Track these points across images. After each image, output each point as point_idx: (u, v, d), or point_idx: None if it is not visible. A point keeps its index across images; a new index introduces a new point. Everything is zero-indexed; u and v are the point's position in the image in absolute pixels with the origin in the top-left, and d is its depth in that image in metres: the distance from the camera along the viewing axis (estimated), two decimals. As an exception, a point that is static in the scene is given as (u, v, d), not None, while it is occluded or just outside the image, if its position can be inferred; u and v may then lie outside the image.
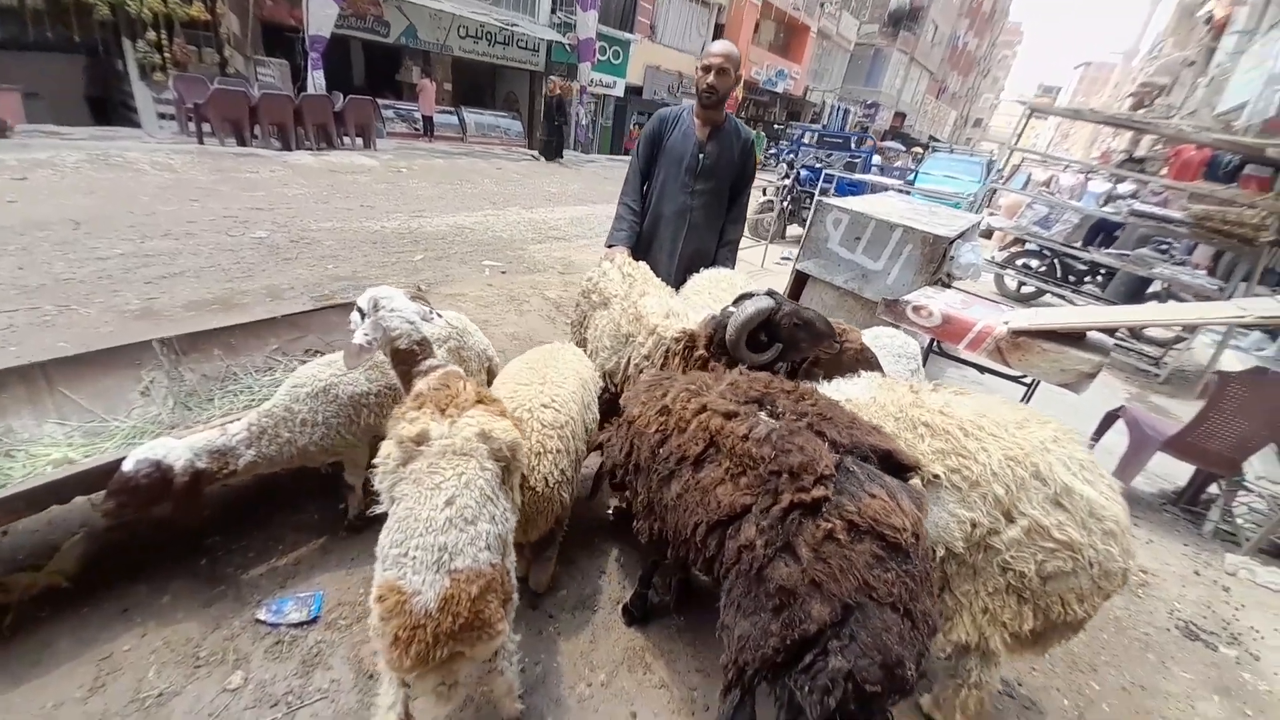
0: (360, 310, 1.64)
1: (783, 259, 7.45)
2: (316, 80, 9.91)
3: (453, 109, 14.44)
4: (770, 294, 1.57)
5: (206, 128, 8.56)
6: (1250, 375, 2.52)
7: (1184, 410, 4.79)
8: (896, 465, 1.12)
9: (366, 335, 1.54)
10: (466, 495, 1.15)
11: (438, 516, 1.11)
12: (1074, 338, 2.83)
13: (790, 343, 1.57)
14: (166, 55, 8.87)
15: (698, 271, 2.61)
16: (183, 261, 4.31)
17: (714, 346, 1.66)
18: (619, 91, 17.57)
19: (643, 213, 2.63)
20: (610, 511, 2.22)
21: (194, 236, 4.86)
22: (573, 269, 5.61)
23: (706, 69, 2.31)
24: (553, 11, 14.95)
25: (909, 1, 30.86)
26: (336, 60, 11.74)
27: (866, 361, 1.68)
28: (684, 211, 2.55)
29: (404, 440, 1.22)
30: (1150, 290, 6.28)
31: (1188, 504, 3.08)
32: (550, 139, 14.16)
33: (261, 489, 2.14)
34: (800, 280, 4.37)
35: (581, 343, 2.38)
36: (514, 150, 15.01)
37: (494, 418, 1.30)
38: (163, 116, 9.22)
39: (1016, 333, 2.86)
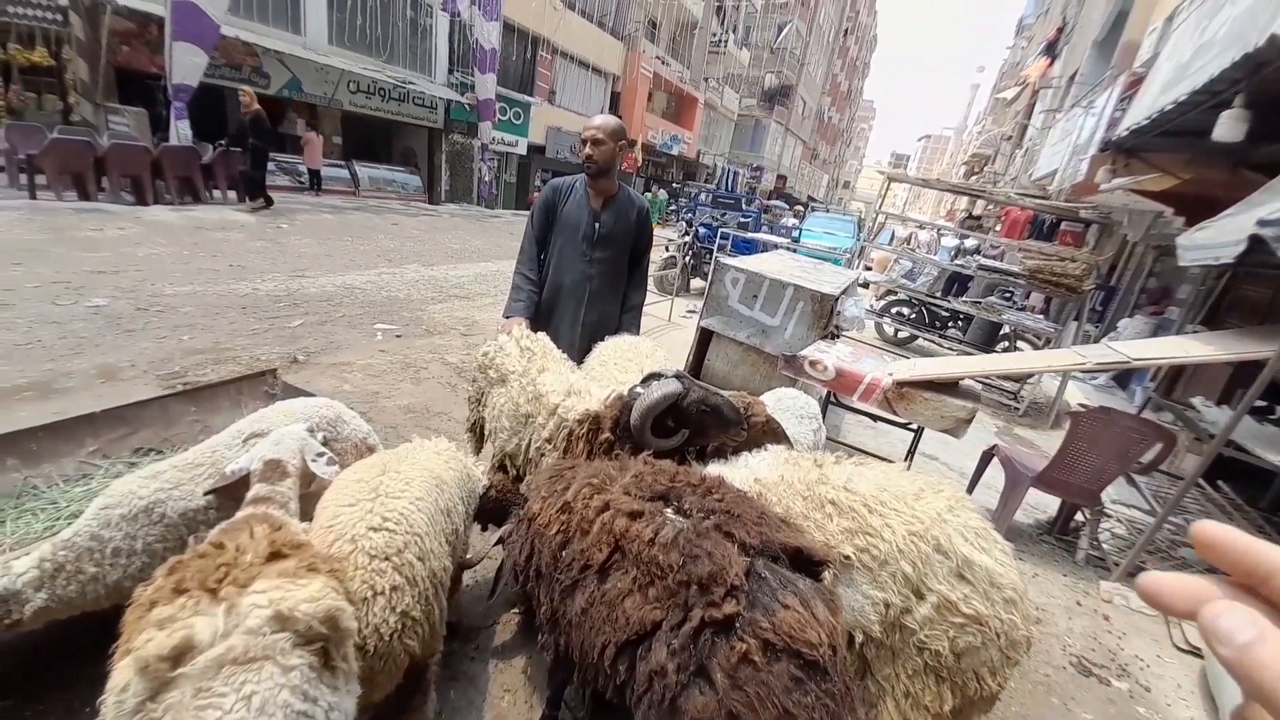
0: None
1: (688, 312, 7.67)
2: (181, 130, 9.07)
3: (343, 163, 13.83)
4: (678, 377, 1.52)
5: (41, 180, 7.44)
6: (1097, 414, 2.87)
7: (1043, 439, 5.41)
8: (808, 561, 1.07)
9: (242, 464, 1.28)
10: None
11: None
12: (949, 386, 3.08)
13: (697, 429, 1.52)
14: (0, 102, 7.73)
15: (602, 339, 2.55)
16: (-14, 339, 3.57)
17: (619, 429, 1.57)
18: (522, 150, 17.85)
19: (541, 282, 2.56)
20: (516, 610, 2.00)
21: (10, 307, 4.06)
22: (476, 329, 5.38)
23: (584, 141, 2.37)
24: (450, 71, 15.05)
25: (779, 81, 34.87)
26: (208, 110, 10.88)
27: (773, 433, 1.67)
28: (584, 280, 2.52)
29: (148, 664, 0.79)
30: (1002, 333, 7.16)
31: (1060, 533, 3.39)
32: (253, 172, 9.33)
33: (61, 637, 1.69)
34: (705, 336, 4.48)
35: (479, 422, 2.20)
36: (412, 204, 14.57)
37: (293, 583, 0.93)
38: (-15, 168, 7.92)
39: (900, 384, 3.07)
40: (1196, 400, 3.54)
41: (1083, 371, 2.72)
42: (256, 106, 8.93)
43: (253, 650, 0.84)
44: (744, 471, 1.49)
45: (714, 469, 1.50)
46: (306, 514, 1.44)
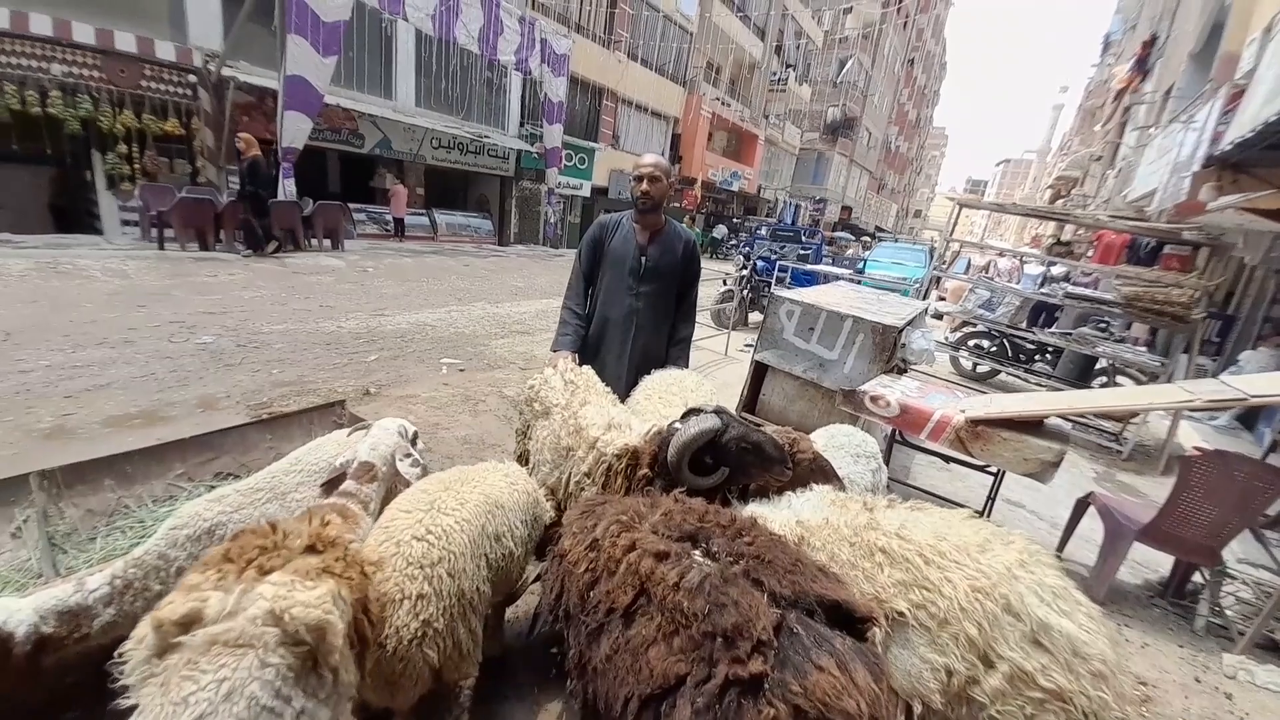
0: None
1: (745, 346, 7.54)
2: (287, 188, 10.20)
3: (424, 211, 14.99)
4: (718, 413, 1.47)
5: (170, 233, 8.57)
6: (1213, 457, 2.50)
7: (1151, 487, 4.77)
8: (849, 617, 0.97)
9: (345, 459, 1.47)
10: (224, 714, 0.82)
11: None
12: (1032, 425, 2.80)
13: (738, 467, 1.45)
14: (136, 166, 9.05)
15: (649, 372, 2.54)
16: (114, 372, 4.06)
17: (658, 466, 1.53)
18: (585, 192, 18.65)
19: (588, 317, 2.60)
20: (555, 651, 1.95)
21: (132, 344, 4.64)
22: (534, 363, 5.53)
23: (639, 178, 2.41)
24: (521, 124, 16.10)
25: (842, 113, 34.58)
26: (311, 168, 12.20)
27: (821, 472, 1.57)
28: (630, 314, 2.54)
29: (162, 624, 0.87)
30: (1098, 366, 6.50)
31: (1174, 596, 2.93)
32: (257, 219, 8.93)
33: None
34: (760, 371, 4.36)
35: (525, 454, 2.23)
36: (484, 247, 15.48)
37: (301, 584, 0.95)
38: (126, 223, 9.24)
39: (975, 422, 2.82)
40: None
41: (1191, 409, 2.39)
42: (255, 151, 8.76)
43: (243, 637, 0.87)
44: (786, 513, 1.40)
45: (754, 509, 1.42)
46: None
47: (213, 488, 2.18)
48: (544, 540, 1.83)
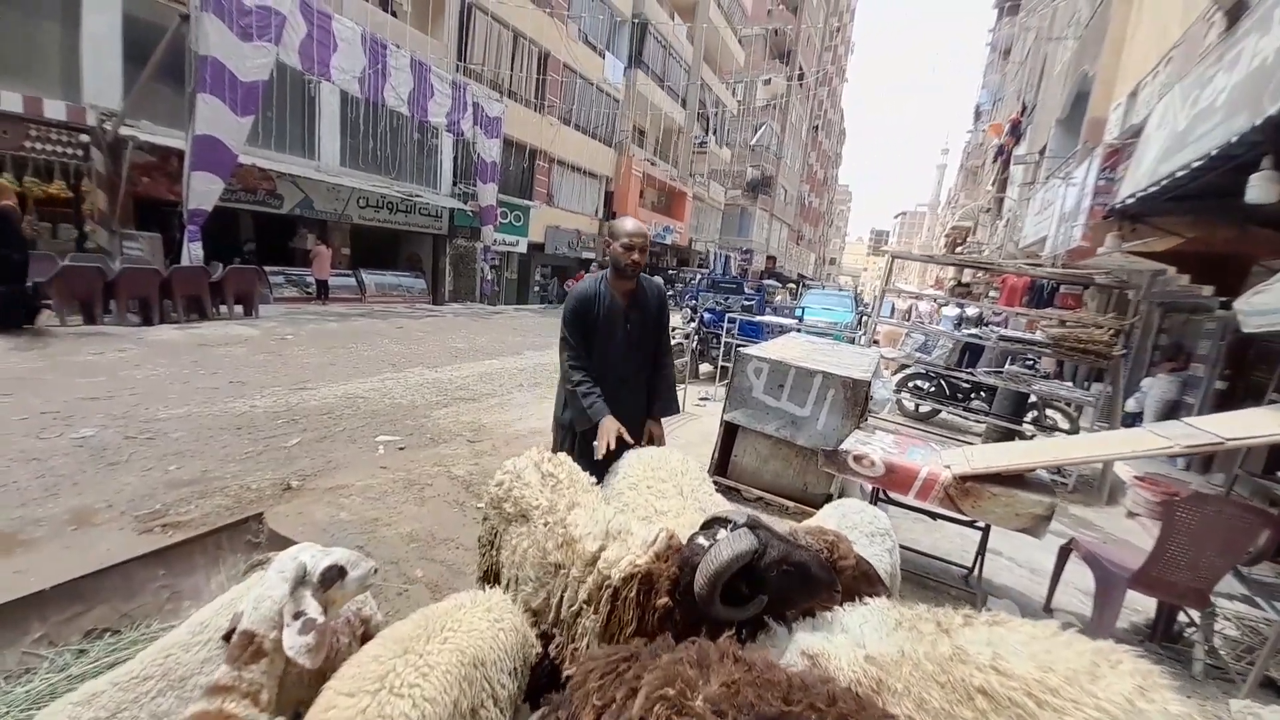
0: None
1: (700, 399, 7.44)
2: (193, 252, 9.33)
3: (350, 271, 14.24)
4: (752, 527, 1.23)
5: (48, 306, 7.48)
6: (1194, 501, 2.53)
7: (1101, 518, 4.95)
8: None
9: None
10: None
11: None
12: (1017, 478, 2.76)
13: (778, 595, 1.20)
14: (11, 233, 7.96)
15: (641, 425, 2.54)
16: (-46, 484, 3.28)
17: (679, 592, 1.25)
18: (522, 249, 18.55)
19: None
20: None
21: (-16, 445, 3.82)
22: (483, 435, 5.09)
23: (629, 248, 2.36)
24: (455, 183, 15.93)
25: (760, 173, 37.29)
26: (222, 230, 11.33)
27: (866, 578, 1.35)
28: (625, 380, 2.54)
29: None
30: (1030, 401, 6.87)
31: (1164, 640, 2.91)
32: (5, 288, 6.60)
33: None
34: (730, 431, 4.20)
35: (495, 569, 1.87)
36: (417, 307, 14.83)
37: None
38: (-10, 297, 8.02)
39: (963, 479, 2.75)
40: (1290, 475, 3.20)
41: (1171, 455, 2.42)
42: (5, 201, 6.70)
43: None
44: (845, 643, 1.16)
45: (807, 642, 1.17)
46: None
47: (83, 652, 1.66)
48: (532, 682, 1.48)
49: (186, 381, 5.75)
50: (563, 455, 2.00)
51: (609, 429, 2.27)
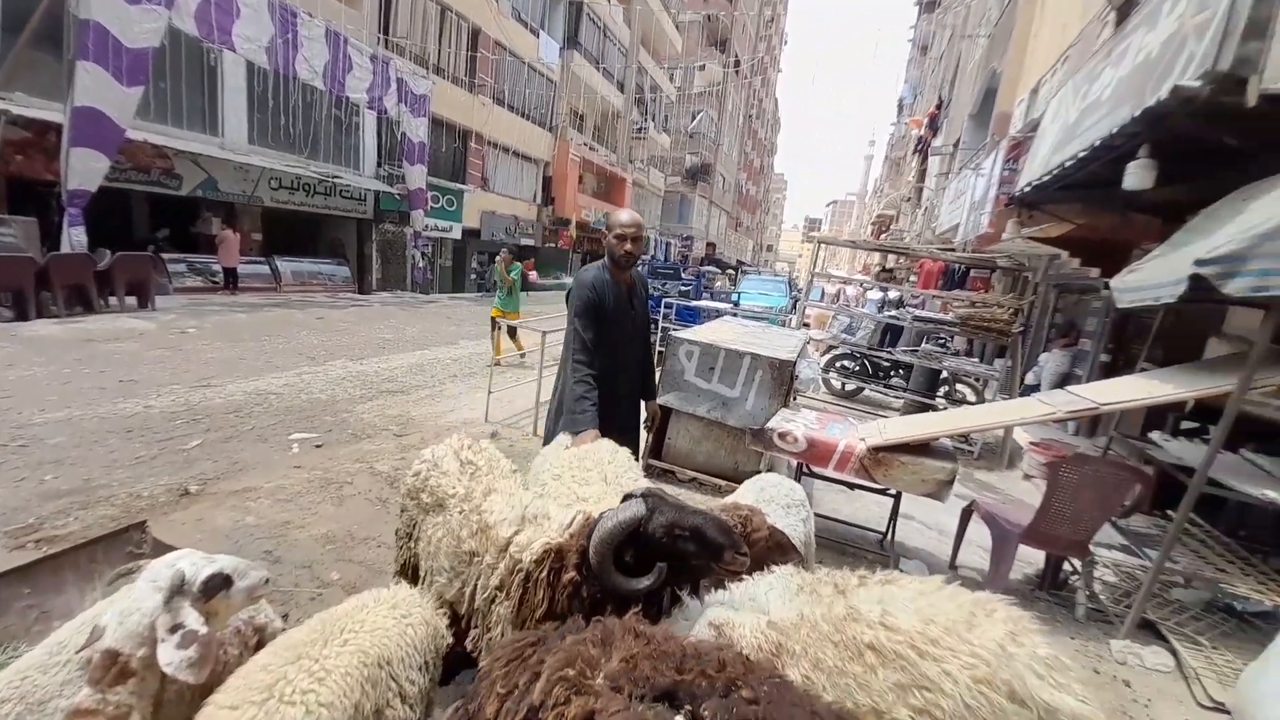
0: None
1: (639, 385, 7.47)
2: (74, 237, 8.34)
3: (263, 258, 13.22)
4: (646, 496, 1.23)
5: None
6: (1075, 461, 2.79)
7: (1002, 482, 5.40)
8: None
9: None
10: None
11: None
12: (924, 447, 2.95)
13: (678, 562, 1.21)
14: None
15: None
16: None
17: (587, 566, 1.24)
18: (456, 235, 17.84)
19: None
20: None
21: None
22: (411, 428, 4.89)
23: (622, 238, 2.44)
24: (379, 165, 15.06)
25: (699, 160, 37.66)
26: (112, 214, 10.18)
27: (779, 548, 1.40)
28: (626, 367, 2.63)
29: None
30: (942, 377, 7.38)
31: (1052, 588, 3.22)
32: None
33: None
34: (664, 414, 4.24)
35: (412, 562, 1.80)
36: (340, 296, 14.00)
37: None
38: None
39: (876, 450, 2.91)
40: (1155, 435, 3.59)
41: (1055, 420, 2.65)
42: None
43: None
44: (751, 611, 1.19)
45: (715, 614, 1.19)
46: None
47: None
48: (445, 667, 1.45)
49: (68, 382, 5.16)
50: (485, 442, 1.95)
51: (582, 441, 2.20)
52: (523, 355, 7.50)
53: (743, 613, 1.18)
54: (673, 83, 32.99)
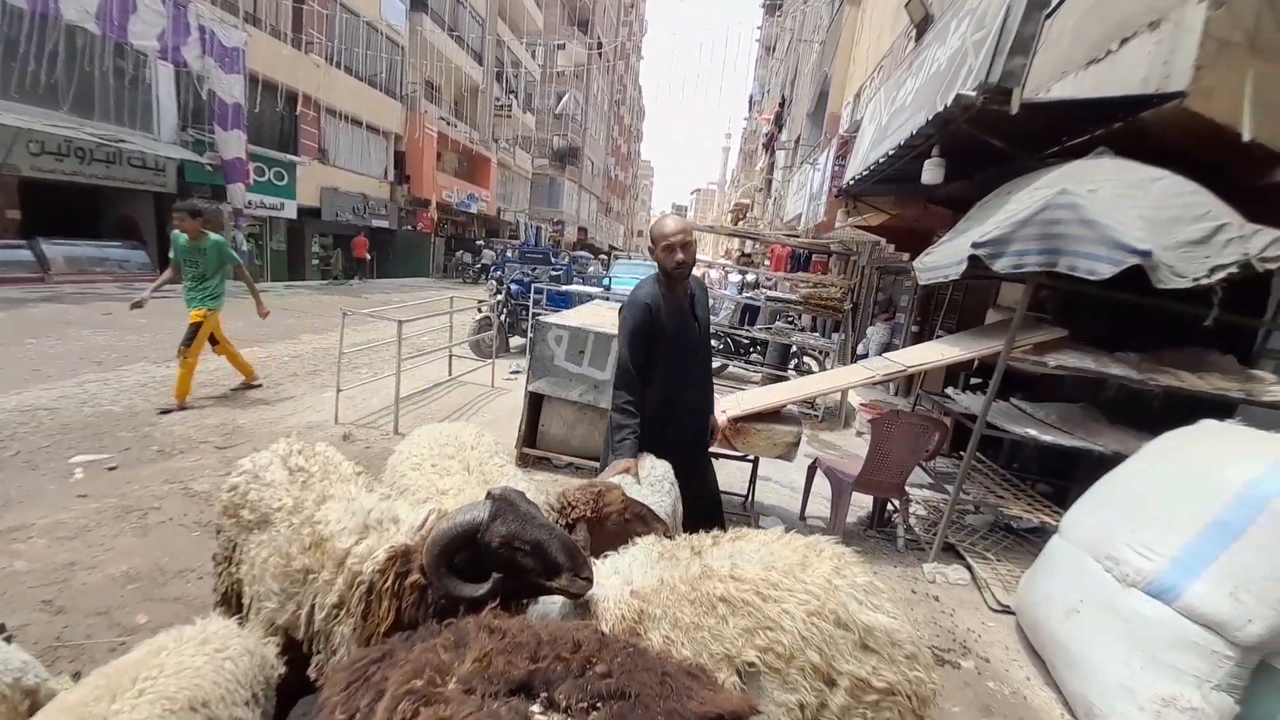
0: None
1: (512, 373, 7.24)
2: None
3: (23, 241, 10.48)
4: (496, 499, 1.15)
5: None
6: (889, 416, 3.25)
7: (842, 440, 6.15)
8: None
9: None
10: None
11: None
12: (775, 415, 3.24)
13: (515, 572, 1.13)
14: None
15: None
16: None
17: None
18: (290, 214, 15.66)
19: (649, 402, 2.26)
20: None
21: None
22: (239, 438, 4.24)
23: (670, 249, 2.20)
24: (182, 128, 12.65)
25: (567, 143, 37.12)
26: None
27: (640, 519, 1.43)
28: (694, 382, 2.40)
29: None
30: (792, 351, 8.17)
31: (880, 526, 3.75)
32: None
33: None
34: (536, 401, 4.16)
35: (236, 589, 1.55)
36: (136, 286, 11.58)
37: None
38: None
39: (735, 420, 3.13)
40: (950, 390, 4.31)
41: (874, 383, 3.06)
42: None
43: None
44: (616, 583, 1.21)
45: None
46: None
47: None
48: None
49: None
50: (320, 445, 1.74)
51: (618, 469, 2.10)
52: (256, 385, 5.51)
53: (607, 586, 1.20)
54: (535, 59, 31.95)
